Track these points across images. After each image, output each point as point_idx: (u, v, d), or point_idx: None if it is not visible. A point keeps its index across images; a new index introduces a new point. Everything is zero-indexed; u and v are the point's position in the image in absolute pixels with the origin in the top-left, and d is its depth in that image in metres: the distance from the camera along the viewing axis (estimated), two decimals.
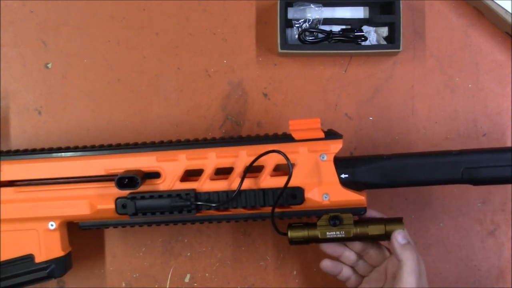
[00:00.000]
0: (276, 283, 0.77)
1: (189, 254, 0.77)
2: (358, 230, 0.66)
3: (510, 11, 0.73)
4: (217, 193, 0.66)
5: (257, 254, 0.78)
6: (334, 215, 0.66)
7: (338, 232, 0.66)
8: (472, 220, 0.78)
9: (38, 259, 0.69)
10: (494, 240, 0.78)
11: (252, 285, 0.77)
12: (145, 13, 0.78)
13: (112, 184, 0.65)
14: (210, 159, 0.67)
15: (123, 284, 0.77)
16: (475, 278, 0.78)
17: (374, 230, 0.66)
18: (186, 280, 0.77)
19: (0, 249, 0.69)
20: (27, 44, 0.77)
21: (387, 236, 0.66)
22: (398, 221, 0.67)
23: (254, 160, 0.65)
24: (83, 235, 0.74)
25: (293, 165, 0.65)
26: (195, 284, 0.77)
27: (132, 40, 0.77)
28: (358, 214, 0.67)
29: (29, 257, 0.69)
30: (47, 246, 0.69)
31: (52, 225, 0.68)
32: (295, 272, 0.78)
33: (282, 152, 0.64)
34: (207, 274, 0.77)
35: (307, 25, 0.75)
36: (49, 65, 0.77)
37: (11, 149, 0.76)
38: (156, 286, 0.77)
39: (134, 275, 0.77)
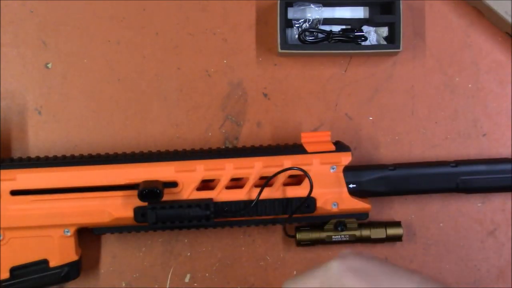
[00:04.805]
0: (276, 283, 0.77)
1: (189, 254, 0.77)
2: (361, 233, 0.72)
3: (510, 11, 0.73)
4: (235, 202, 0.69)
5: (257, 254, 0.77)
6: (340, 221, 0.71)
7: (343, 236, 0.72)
8: (472, 220, 0.78)
9: (52, 264, 0.69)
10: (494, 240, 0.78)
11: (252, 285, 0.77)
12: (145, 13, 0.77)
13: (130, 192, 0.67)
14: (227, 169, 0.68)
15: (123, 284, 0.77)
16: (475, 278, 0.78)
17: (376, 234, 0.73)
18: (186, 280, 0.77)
19: (14, 255, 0.69)
20: (27, 44, 0.77)
21: (388, 239, 0.73)
22: (397, 224, 0.74)
23: (274, 175, 0.68)
24: (83, 235, 0.74)
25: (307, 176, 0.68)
26: (195, 284, 0.77)
27: (132, 40, 0.77)
28: (361, 219, 0.72)
29: (44, 262, 0.69)
30: (61, 251, 0.69)
31: (67, 231, 0.69)
32: (295, 272, 0.77)
33: (304, 170, 0.68)
34: (207, 274, 0.77)
35: (307, 25, 0.75)
36: (49, 65, 0.77)
37: (11, 149, 0.76)
38: (156, 286, 0.77)
39: (134, 275, 0.77)
